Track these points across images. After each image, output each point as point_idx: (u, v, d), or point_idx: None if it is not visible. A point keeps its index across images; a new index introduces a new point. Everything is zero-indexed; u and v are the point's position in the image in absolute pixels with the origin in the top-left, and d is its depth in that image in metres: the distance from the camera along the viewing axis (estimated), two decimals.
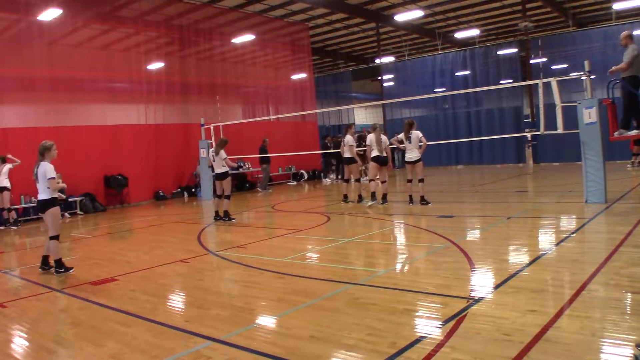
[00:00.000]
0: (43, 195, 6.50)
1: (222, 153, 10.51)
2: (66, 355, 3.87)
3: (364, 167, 19.04)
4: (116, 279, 6.08)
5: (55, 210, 6.58)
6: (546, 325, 3.58)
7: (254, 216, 11.91)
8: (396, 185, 15.96)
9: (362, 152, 13.54)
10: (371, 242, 7.61)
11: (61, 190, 13.20)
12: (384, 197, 11.21)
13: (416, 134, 10.57)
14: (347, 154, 12.02)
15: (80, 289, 5.74)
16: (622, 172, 14.23)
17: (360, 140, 15.62)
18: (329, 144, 19.12)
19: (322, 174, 20.91)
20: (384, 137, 10.92)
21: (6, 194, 11.78)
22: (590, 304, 4.03)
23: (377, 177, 11.12)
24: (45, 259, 6.77)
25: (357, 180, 12.34)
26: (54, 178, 6.41)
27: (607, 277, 4.66)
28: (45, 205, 6.51)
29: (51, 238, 6.55)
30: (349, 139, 12.08)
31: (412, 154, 10.64)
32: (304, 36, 22.50)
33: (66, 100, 14.65)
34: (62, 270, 6.57)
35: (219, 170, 10.62)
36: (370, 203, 10.87)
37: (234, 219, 10.49)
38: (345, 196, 11.98)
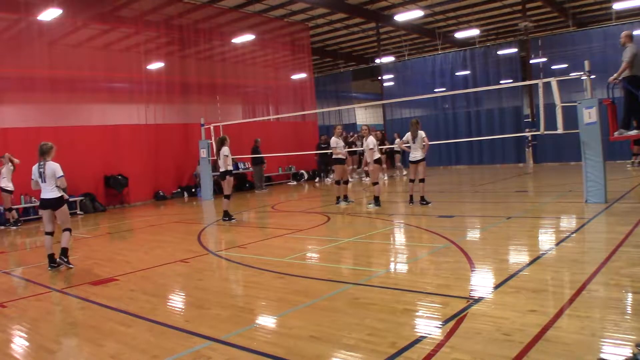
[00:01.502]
0: (52, 193, 6.73)
1: (226, 150, 10.49)
2: (66, 355, 3.88)
3: (354, 167, 19.05)
4: (116, 279, 6.08)
5: (65, 207, 6.94)
6: (546, 325, 3.58)
7: (254, 216, 11.91)
8: (396, 185, 15.97)
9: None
10: (371, 242, 7.61)
11: (63, 189, 13.26)
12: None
13: (420, 133, 10.61)
14: (334, 155, 12.01)
15: (80, 289, 5.74)
16: (622, 172, 14.24)
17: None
18: (322, 144, 19.10)
19: (322, 174, 20.89)
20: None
21: (6, 194, 11.78)
22: (590, 304, 4.03)
23: (382, 178, 11.08)
24: (52, 257, 6.87)
25: (346, 182, 12.08)
26: (63, 176, 6.72)
27: (607, 277, 4.66)
28: (57, 203, 6.80)
29: (65, 230, 6.89)
30: (333, 140, 12.02)
31: (416, 154, 10.64)
32: (304, 36, 22.49)
33: (66, 100, 14.65)
34: (66, 260, 6.83)
35: (221, 168, 10.62)
36: (373, 207, 10.80)
37: (235, 219, 10.49)
38: (346, 197, 11.96)
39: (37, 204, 13.39)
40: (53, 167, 6.65)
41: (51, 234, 6.89)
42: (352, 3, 20.07)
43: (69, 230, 6.90)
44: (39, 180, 6.71)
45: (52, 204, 6.75)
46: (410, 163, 10.90)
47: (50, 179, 6.65)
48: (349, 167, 17.01)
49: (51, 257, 6.84)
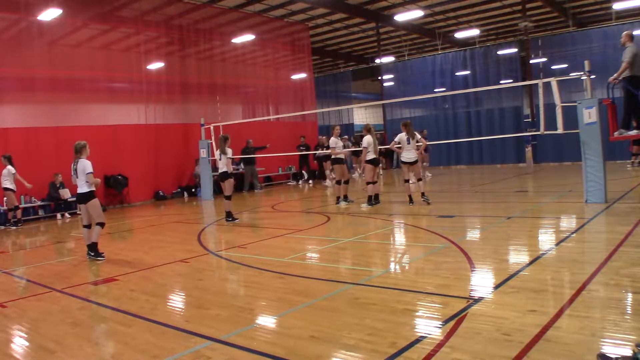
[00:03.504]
0: (83, 188, 7.24)
1: (228, 151, 10.49)
2: (66, 355, 3.87)
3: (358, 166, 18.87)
4: (116, 279, 6.08)
5: (95, 201, 7.35)
6: (546, 325, 3.58)
7: (253, 216, 11.91)
8: (395, 185, 15.95)
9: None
10: (371, 242, 7.61)
11: (62, 188, 13.26)
12: (377, 197, 11.24)
13: (415, 134, 10.73)
14: (333, 155, 12.00)
15: (80, 289, 5.74)
16: (622, 172, 14.24)
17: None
18: (301, 146, 18.93)
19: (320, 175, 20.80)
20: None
21: (9, 193, 11.80)
22: (590, 304, 4.03)
23: (375, 179, 11.19)
24: (92, 246, 7.41)
25: (346, 182, 11.99)
26: (92, 173, 7.18)
27: (607, 277, 4.66)
28: (86, 197, 7.27)
29: (97, 224, 7.36)
30: (332, 140, 12.01)
31: (411, 155, 10.72)
32: (304, 36, 22.49)
33: (66, 100, 14.64)
34: (93, 254, 7.30)
35: (220, 169, 10.61)
36: (365, 206, 10.87)
37: (237, 219, 10.48)
38: (346, 196, 11.97)
39: (38, 203, 13.56)
40: (84, 164, 7.16)
41: (87, 226, 7.50)
42: (352, 3, 20.07)
43: (101, 224, 7.34)
44: (74, 176, 7.27)
45: (82, 198, 7.28)
46: (403, 164, 10.95)
47: (81, 175, 7.19)
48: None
49: (90, 247, 7.41)
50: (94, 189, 7.28)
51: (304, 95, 22.64)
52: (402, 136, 10.80)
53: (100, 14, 15.51)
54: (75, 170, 7.23)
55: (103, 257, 7.33)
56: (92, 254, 7.31)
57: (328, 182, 17.62)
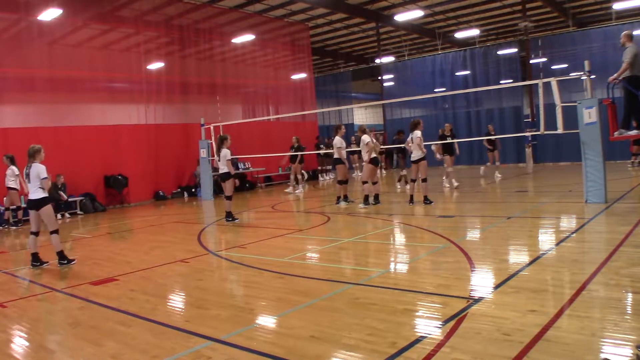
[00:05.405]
0: (36, 194, 6.95)
1: (226, 152, 10.47)
2: (66, 355, 3.87)
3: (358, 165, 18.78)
4: (116, 279, 6.09)
5: (49, 207, 7.05)
6: (546, 325, 3.58)
7: (253, 216, 11.91)
8: (395, 185, 15.93)
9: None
10: (371, 242, 7.61)
11: (63, 190, 13.25)
12: (376, 197, 11.25)
13: (416, 133, 10.72)
14: (336, 155, 12.01)
15: (80, 289, 5.74)
16: (622, 172, 14.24)
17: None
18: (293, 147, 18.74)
19: (319, 175, 20.69)
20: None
21: (13, 192, 11.78)
22: (590, 304, 4.03)
23: (375, 179, 11.23)
24: (35, 256, 7.16)
25: (345, 182, 12.00)
26: (47, 178, 6.95)
27: (607, 277, 4.66)
28: (40, 203, 6.97)
29: (52, 233, 7.07)
30: (337, 140, 12.03)
31: (414, 153, 10.77)
32: (304, 36, 22.51)
33: (66, 100, 14.65)
34: (65, 262, 7.06)
35: (221, 170, 10.61)
36: (362, 206, 10.88)
37: (238, 219, 10.48)
38: (346, 196, 11.97)
39: None
40: (37, 169, 6.91)
41: (35, 234, 7.15)
42: (352, 3, 20.08)
43: (55, 232, 7.07)
44: (26, 180, 7.04)
45: (35, 205, 6.99)
46: (412, 163, 11.00)
47: (34, 180, 6.90)
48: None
49: (34, 256, 7.14)
50: (47, 195, 7.04)
51: (303, 95, 22.65)
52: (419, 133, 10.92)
53: (100, 14, 15.52)
54: (28, 175, 6.94)
55: (74, 261, 7.17)
56: (65, 262, 7.04)
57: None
